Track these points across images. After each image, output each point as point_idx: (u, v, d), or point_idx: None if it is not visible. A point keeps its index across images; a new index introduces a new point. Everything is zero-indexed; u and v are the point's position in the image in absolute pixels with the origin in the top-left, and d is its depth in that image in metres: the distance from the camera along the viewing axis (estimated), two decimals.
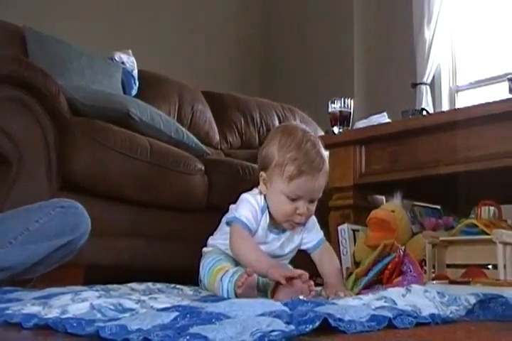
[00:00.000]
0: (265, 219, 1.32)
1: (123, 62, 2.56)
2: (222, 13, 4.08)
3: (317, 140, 1.32)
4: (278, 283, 1.20)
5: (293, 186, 1.26)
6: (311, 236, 1.39)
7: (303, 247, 1.40)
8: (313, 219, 1.41)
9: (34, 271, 1.27)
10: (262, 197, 1.33)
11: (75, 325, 0.76)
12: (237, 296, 1.15)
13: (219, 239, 1.38)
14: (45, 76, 1.72)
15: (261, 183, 1.33)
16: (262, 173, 1.32)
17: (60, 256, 1.29)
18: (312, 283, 1.18)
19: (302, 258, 1.42)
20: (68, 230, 1.29)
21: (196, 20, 3.84)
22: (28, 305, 0.91)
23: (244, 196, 1.33)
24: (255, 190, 1.36)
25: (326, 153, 1.32)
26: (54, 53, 2.22)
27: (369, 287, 1.35)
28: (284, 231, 1.35)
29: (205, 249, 1.40)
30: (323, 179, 1.29)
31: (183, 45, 3.73)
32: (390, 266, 1.35)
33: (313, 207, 1.31)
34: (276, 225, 1.34)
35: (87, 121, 1.82)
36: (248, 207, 1.30)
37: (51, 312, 0.84)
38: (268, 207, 1.32)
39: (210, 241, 1.42)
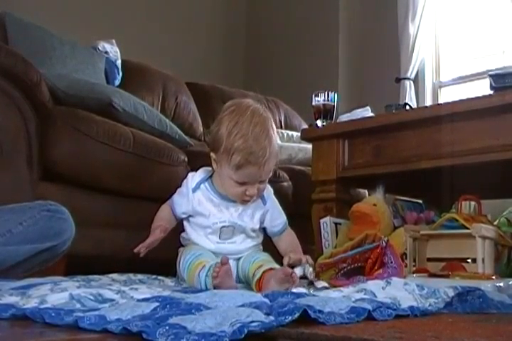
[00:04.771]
0: (207, 192, 1.36)
1: (106, 52, 2.53)
2: (208, 3, 4.05)
3: (265, 124, 1.30)
4: (264, 274, 1.21)
5: (239, 174, 1.28)
6: (276, 221, 1.41)
7: (268, 231, 1.42)
8: (277, 204, 1.42)
9: (12, 273, 1.22)
10: (196, 175, 1.39)
11: (53, 315, 0.75)
12: (215, 287, 1.15)
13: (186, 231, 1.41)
14: (26, 64, 1.69)
15: (212, 162, 1.36)
16: (212, 154, 1.34)
17: (40, 260, 1.26)
18: (295, 274, 1.20)
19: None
20: (52, 235, 1.25)
21: (181, 10, 3.81)
22: (6, 296, 0.90)
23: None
24: (201, 170, 1.42)
25: (274, 137, 1.31)
26: (36, 41, 2.18)
27: (349, 277, 1.37)
28: None
29: (180, 249, 1.41)
30: (271, 164, 1.30)
31: (168, 36, 3.70)
32: (372, 256, 1.37)
33: (263, 186, 1.34)
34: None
35: (69, 110, 1.80)
36: (178, 191, 1.41)
37: (29, 303, 0.84)
38: (207, 180, 1.38)
39: (183, 236, 1.43)
